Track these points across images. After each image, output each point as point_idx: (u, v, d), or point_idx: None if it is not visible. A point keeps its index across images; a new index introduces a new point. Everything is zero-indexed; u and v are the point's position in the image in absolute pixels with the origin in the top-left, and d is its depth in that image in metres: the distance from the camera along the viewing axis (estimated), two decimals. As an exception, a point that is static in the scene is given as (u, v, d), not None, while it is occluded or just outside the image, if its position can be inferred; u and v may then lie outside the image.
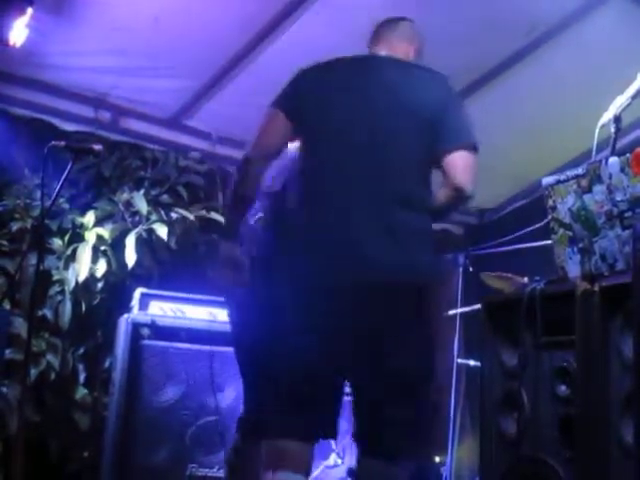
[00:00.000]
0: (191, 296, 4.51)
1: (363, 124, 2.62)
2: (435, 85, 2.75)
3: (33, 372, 4.38)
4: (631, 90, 2.85)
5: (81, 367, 4.67)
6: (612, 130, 2.90)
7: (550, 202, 2.77)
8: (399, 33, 2.99)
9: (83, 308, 4.63)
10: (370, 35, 2.99)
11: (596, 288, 2.62)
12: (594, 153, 2.90)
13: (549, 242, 2.87)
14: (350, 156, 2.59)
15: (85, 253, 4.58)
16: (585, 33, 4.22)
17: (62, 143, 3.25)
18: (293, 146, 3.64)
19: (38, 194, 4.56)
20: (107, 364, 4.62)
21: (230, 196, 2.85)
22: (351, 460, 4.47)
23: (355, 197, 2.53)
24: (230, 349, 4.03)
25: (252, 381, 3.34)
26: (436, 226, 2.85)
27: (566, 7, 4.14)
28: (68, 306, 4.57)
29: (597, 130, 2.93)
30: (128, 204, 4.88)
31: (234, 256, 2.76)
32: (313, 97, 2.75)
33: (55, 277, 4.60)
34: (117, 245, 4.69)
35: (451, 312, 4.90)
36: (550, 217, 2.78)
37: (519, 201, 5.70)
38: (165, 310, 4.42)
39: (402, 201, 2.53)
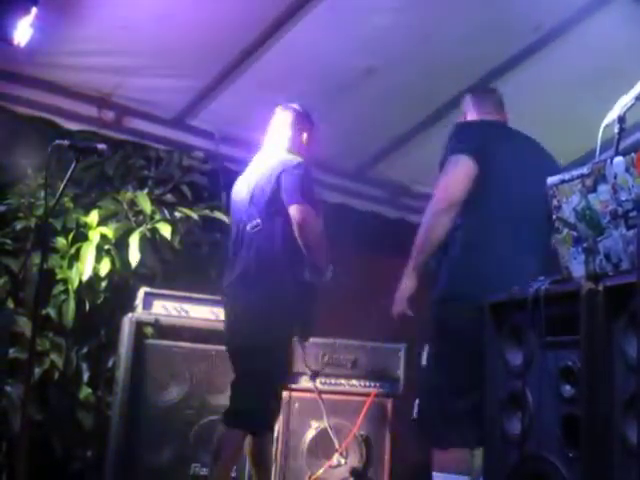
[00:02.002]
0: (195, 295, 4.52)
1: (520, 189, 3.24)
2: (550, 159, 3.46)
3: (37, 371, 4.38)
4: (636, 90, 2.84)
5: (85, 366, 4.67)
6: (616, 130, 2.89)
7: (554, 202, 2.77)
8: (501, 103, 3.65)
9: (87, 307, 4.63)
10: (495, 103, 3.62)
11: (600, 288, 2.61)
12: (597, 153, 2.89)
13: (553, 242, 2.86)
14: (512, 216, 3.24)
15: (89, 252, 4.58)
16: (589, 33, 4.22)
17: (66, 142, 3.24)
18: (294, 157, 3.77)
19: (42, 193, 4.55)
20: (111, 363, 4.61)
21: (422, 240, 3.29)
22: (354, 460, 4.47)
23: (514, 249, 3.19)
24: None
25: None
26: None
27: (570, 7, 4.13)
28: (72, 305, 4.57)
29: (601, 130, 2.93)
30: (132, 203, 4.87)
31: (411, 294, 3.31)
32: (494, 153, 3.31)
33: (59, 276, 4.60)
34: (121, 244, 4.69)
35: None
36: (554, 217, 2.78)
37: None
38: (169, 309, 4.43)
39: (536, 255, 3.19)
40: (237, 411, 3.62)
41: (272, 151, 3.87)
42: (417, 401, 3.16)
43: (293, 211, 3.56)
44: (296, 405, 3.99)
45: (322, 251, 3.67)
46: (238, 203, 3.84)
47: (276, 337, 3.59)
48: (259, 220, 3.64)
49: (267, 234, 3.63)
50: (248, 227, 3.69)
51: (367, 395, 4.55)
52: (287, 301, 3.59)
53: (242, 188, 3.84)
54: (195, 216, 4.98)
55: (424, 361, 3.15)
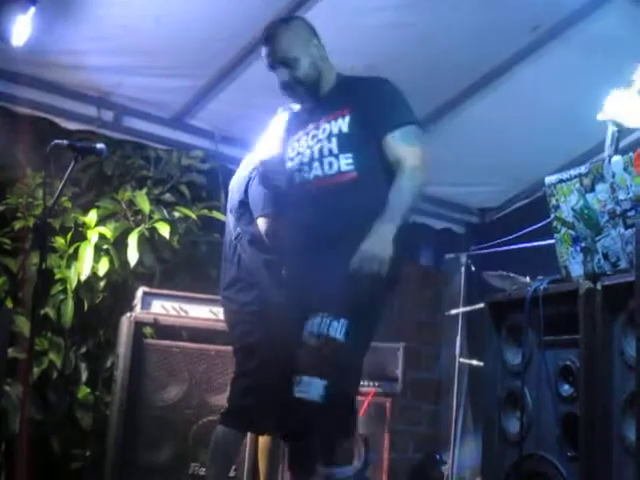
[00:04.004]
0: (193, 295, 4.52)
1: None
2: None
3: (35, 371, 4.37)
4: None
5: (83, 366, 4.66)
6: (615, 130, 2.90)
7: (553, 201, 2.78)
8: None
9: (85, 307, 4.62)
10: None
11: (599, 287, 2.62)
12: (607, 149, 2.88)
13: (552, 241, 2.87)
14: None
15: (87, 252, 4.57)
16: (588, 32, 4.22)
17: (64, 142, 3.24)
18: (253, 158, 3.81)
19: (40, 193, 4.56)
20: (109, 363, 4.61)
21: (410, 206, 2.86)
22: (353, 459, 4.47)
23: None
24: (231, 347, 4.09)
25: None
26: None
27: (569, 7, 4.14)
28: (70, 305, 4.57)
29: (610, 128, 2.92)
30: (130, 203, 4.87)
31: None
32: None
33: (57, 276, 4.59)
34: (119, 244, 4.69)
35: (454, 311, 4.91)
36: (553, 216, 2.78)
37: (521, 200, 5.70)
38: (167, 309, 4.42)
39: None
40: (232, 410, 3.66)
41: (253, 155, 3.94)
42: (323, 382, 2.66)
43: (258, 223, 3.65)
44: (295, 404, 3.99)
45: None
46: (227, 211, 3.94)
47: (261, 338, 3.63)
48: (239, 230, 3.74)
49: (246, 241, 3.72)
50: (232, 236, 3.80)
51: (366, 394, 4.54)
52: (270, 304, 3.65)
53: (229, 196, 3.94)
54: (194, 216, 4.98)
55: (340, 336, 2.68)
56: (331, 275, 2.76)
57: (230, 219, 3.86)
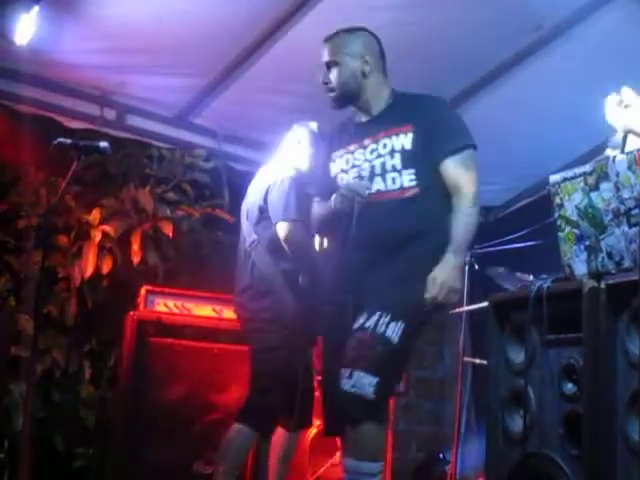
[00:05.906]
0: (196, 293, 4.53)
1: None
2: None
3: (39, 369, 4.38)
4: None
5: (87, 364, 4.68)
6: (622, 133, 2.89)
7: (557, 200, 2.77)
8: None
9: (89, 305, 4.63)
10: None
11: (602, 286, 2.62)
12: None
13: (555, 240, 2.86)
14: None
15: (91, 250, 4.59)
16: (591, 32, 4.22)
17: (68, 141, 3.24)
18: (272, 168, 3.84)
19: (44, 191, 4.58)
20: (112, 361, 4.63)
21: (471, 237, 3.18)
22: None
23: None
24: (234, 346, 4.11)
25: None
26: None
27: (571, 6, 4.13)
28: (74, 303, 4.58)
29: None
30: (134, 201, 4.88)
31: None
32: None
33: (61, 274, 4.60)
34: (123, 242, 4.70)
35: (457, 310, 4.90)
36: (557, 215, 2.78)
37: (525, 198, 5.70)
38: (170, 307, 4.43)
39: None
40: (253, 408, 3.70)
41: (270, 167, 3.98)
42: (376, 379, 2.79)
43: (277, 229, 3.71)
44: (298, 403, 3.98)
45: (313, 260, 3.79)
46: (242, 218, 3.98)
47: (281, 341, 3.69)
48: (255, 237, 3.77)
49: (262, 248, 3.77)
50: (247, 243, 3.84)
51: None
52: (284, 309, 3.72)
53: (243, 203, 3.99)
54: (197, 214, 4.99)
55: (396, 337, 2.84)
56: (391, 279, 2.90)
57: (245, 225, 3.89)
